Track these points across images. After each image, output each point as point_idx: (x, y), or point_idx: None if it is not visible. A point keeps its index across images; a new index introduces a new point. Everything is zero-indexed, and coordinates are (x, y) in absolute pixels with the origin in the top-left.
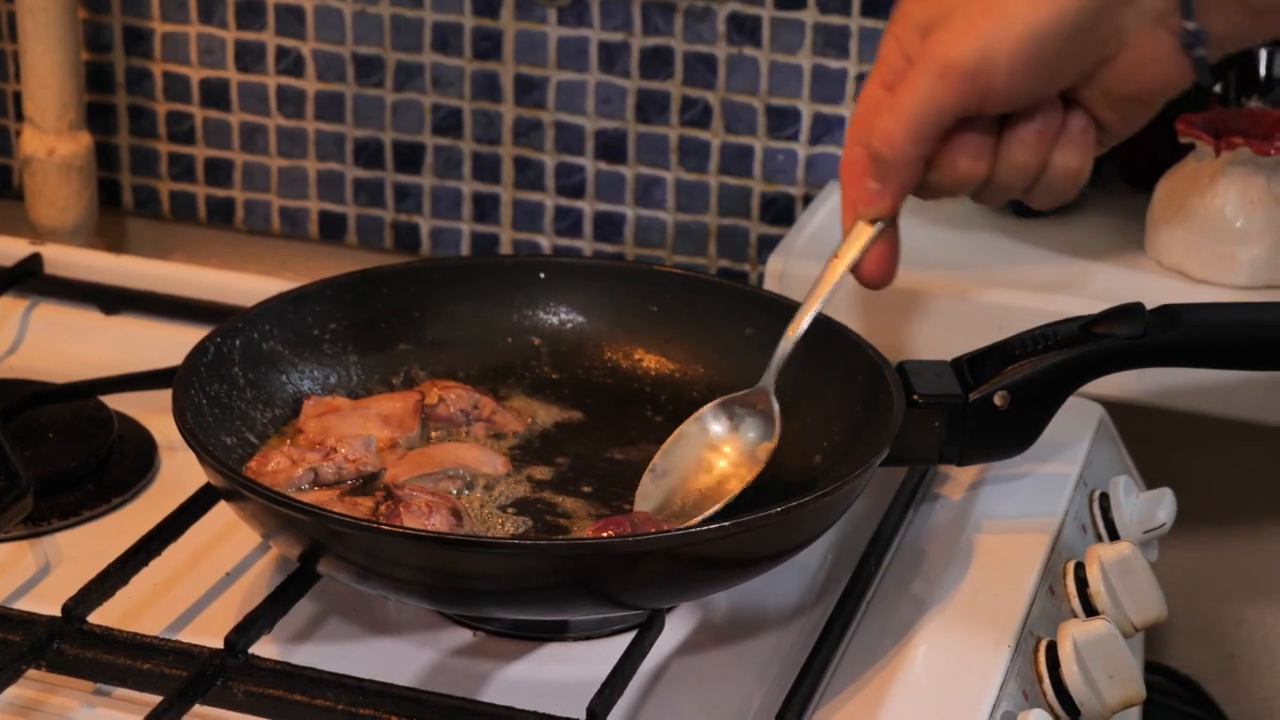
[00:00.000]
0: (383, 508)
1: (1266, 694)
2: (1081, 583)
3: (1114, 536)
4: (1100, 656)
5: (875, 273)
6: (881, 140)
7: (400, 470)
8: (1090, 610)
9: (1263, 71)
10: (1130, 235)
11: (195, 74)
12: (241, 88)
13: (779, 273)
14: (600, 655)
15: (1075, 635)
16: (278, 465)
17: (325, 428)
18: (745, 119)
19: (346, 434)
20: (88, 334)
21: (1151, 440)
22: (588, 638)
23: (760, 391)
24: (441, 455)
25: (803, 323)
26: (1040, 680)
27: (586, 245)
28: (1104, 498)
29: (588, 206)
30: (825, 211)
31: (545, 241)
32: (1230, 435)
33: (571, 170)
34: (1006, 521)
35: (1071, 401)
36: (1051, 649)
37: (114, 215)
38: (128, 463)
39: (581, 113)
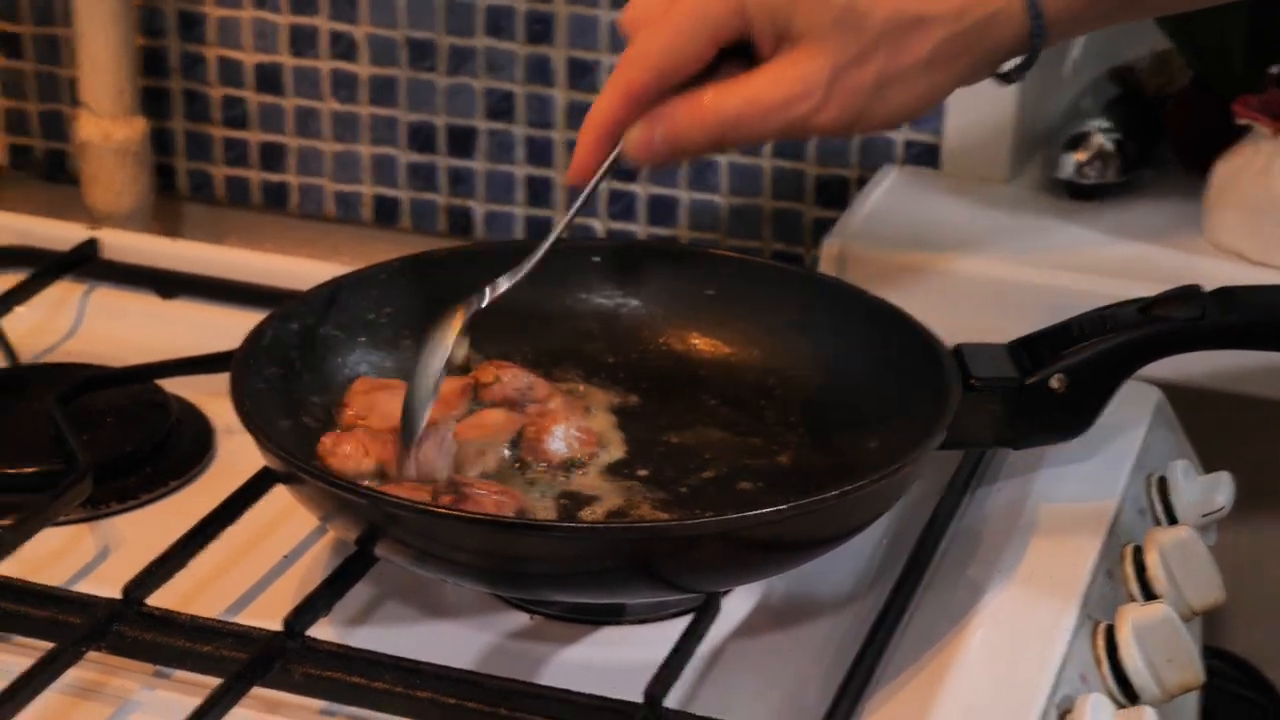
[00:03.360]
0: (445, 498)
1: None
2: (1140, 567)
3: (1172, 520)
4: (1159, 640)
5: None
6: None
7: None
8: (1149, 594)
9: None
10: (1187, 217)
11: (249, 58)
12: (295, 72)
13: (834, 256)
14: (657, 639)
15: (1134, 619)
16: (347, 452)
17: (371, 404)
18: None
19: (391, 411)
20: (145, 318)
21: (1210, 424)
22: (644, 621)
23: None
24: (495, 420)
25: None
26: (1099, 664)
27: (640, 229)
28: (1162, 481)
29: (641, 190)
30: (880, 193)
31: (599, 225)
32: None
33: None
34: (1064, 505)
35: (1129, 385)
36: (1110, 633)
37: (169, 200)
38: (185, 446)
39: None
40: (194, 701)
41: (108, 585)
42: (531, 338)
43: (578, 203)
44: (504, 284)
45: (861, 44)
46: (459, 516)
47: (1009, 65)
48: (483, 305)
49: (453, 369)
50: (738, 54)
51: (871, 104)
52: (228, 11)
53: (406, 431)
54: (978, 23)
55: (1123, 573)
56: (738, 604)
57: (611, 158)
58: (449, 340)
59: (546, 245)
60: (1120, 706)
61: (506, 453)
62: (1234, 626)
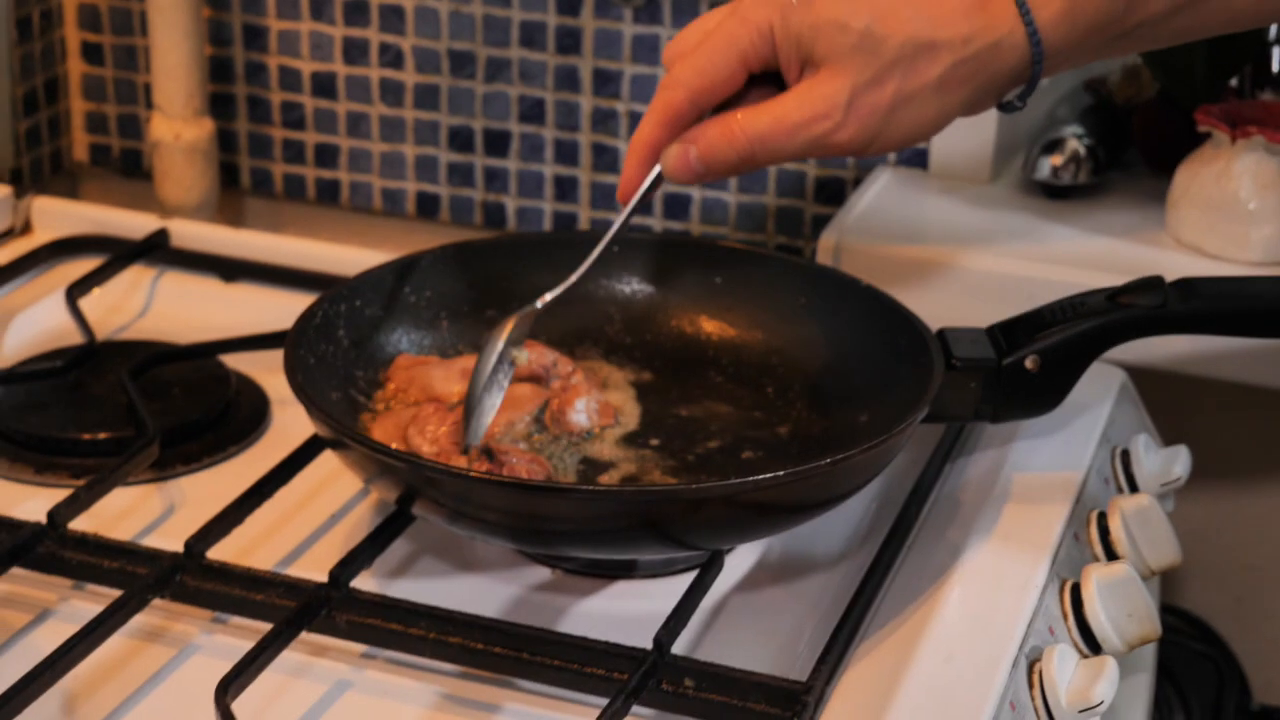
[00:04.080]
0: (480, 464)
1: (1274, 634)
2: (1104, 530)
3: (1134, 489)
4: (1120, 597)
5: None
6: None
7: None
8: (1111, 555)
9: (1275, 67)
10: (1152, 216)
11: (306, 67)
12: (348, 80)
13: (831, 248)
14: (666, 592)
15: (1097, 577)
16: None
17: (411, 378)
18: None
19: (428, 385)
20: (209, 300)
21: (1169, 402)
22: (654, 576)
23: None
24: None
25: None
26: (1065, 618)
27: (657, 223)
28: (1125, 454)
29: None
30: (873, 192)
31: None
32: (1242, 398)
33: None
34: (1035, 474)
35: (1096, 366)
36: (1075, 590)
37: (233, 194)
38: (244, 415)
39: None
40: (248, 645)
41: (173, 540)
42: (556, 320)
43: (623, 215)
44: (555, 292)
45: (878, 67)
46: (489, 480)
47: (1010, 94)
48: (535, 312)
49: (517, 372)
50: (767, 80)
51: (887, 124)
52: (288, 24)
53: (467, 428)
54: (983, 49)
55: (1088, 535)
56: (740, 561)
57: (653, 175)
58: (498, 346)
59: (594, 256)
60: (1084, 656)
61: (533, 421)
62: (1189, 586)
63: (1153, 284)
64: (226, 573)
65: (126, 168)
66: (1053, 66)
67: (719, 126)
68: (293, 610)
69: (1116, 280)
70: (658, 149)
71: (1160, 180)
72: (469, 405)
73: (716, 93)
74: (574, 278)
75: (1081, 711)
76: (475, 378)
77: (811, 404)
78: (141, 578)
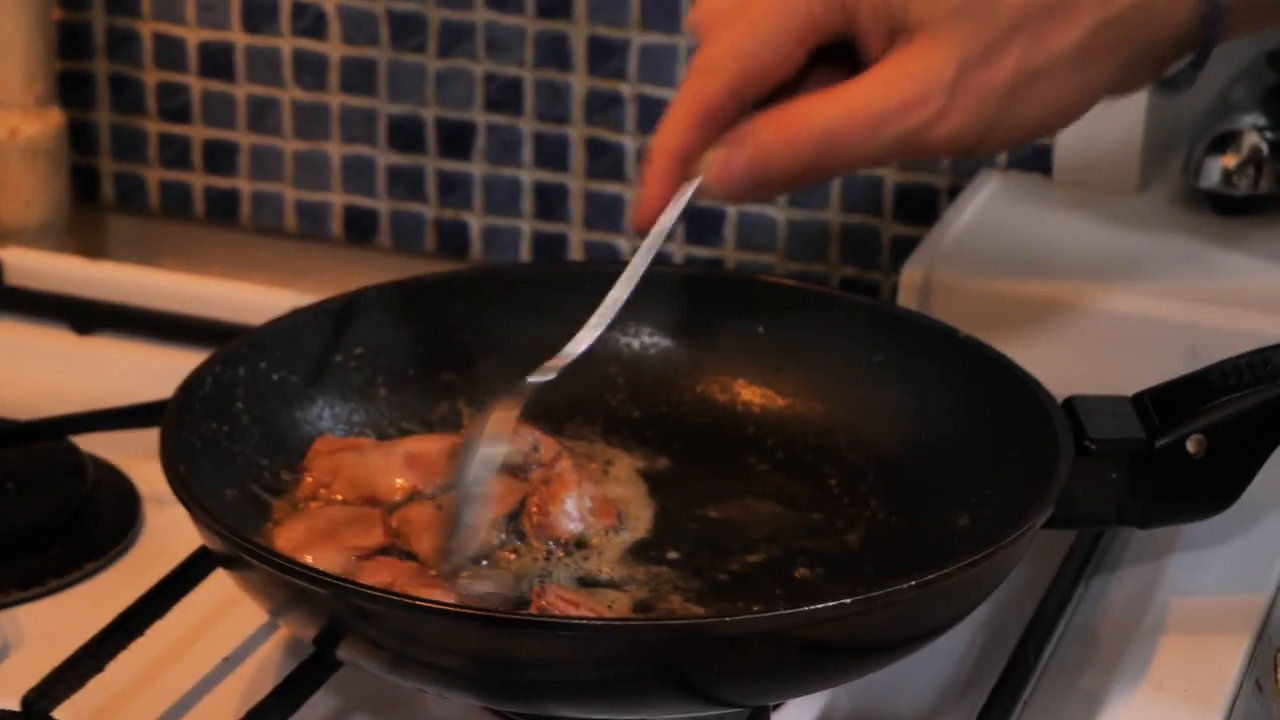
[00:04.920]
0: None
1: None
2: None
3: None
4: None
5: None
6: None
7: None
8: None
9: None
10: None
11: (192, 35)
12: (249, 53)
13: (917, 284)
14: None
15: None
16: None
17: (337, 468)
18: None
19: (360, 478)
20: (56, 358)
21: None
22: None
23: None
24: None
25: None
26: None
27: (676, 249)
28: None
29: None
30: (977, 206)
31: (624, 244)
32: None
33: None
34: (1202, 599)
35: None
36: None
37: (91, 211)
38: (104, 519)
39: (670, 83)
40: None
41: (5, 693)
42: (540, 387)
43: (645, 247)
44: (558, 365)
45: (993, 34)
46: (443, 610)
47: (1173, 68)
48: (525, 393)
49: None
50: (834, 60)
51: (1006, 110)
52: None
53: (449, 549)
54: (1136, 6)
55: (1275, 684)
56: None
57: (685, 192)
58: (498, 441)
59: (613, 306)
60: None
61: (506, 527)
62: None
63: None
64: None
65: None
66: (1232, 28)
67: (774, 123)
68: None
69: None
70: (690, 155)
71: None
72: (451, 520)
73: (767, 78)
74: (585, 341)
75: None
76: (461, 493)
77: (890, 502)
78: None
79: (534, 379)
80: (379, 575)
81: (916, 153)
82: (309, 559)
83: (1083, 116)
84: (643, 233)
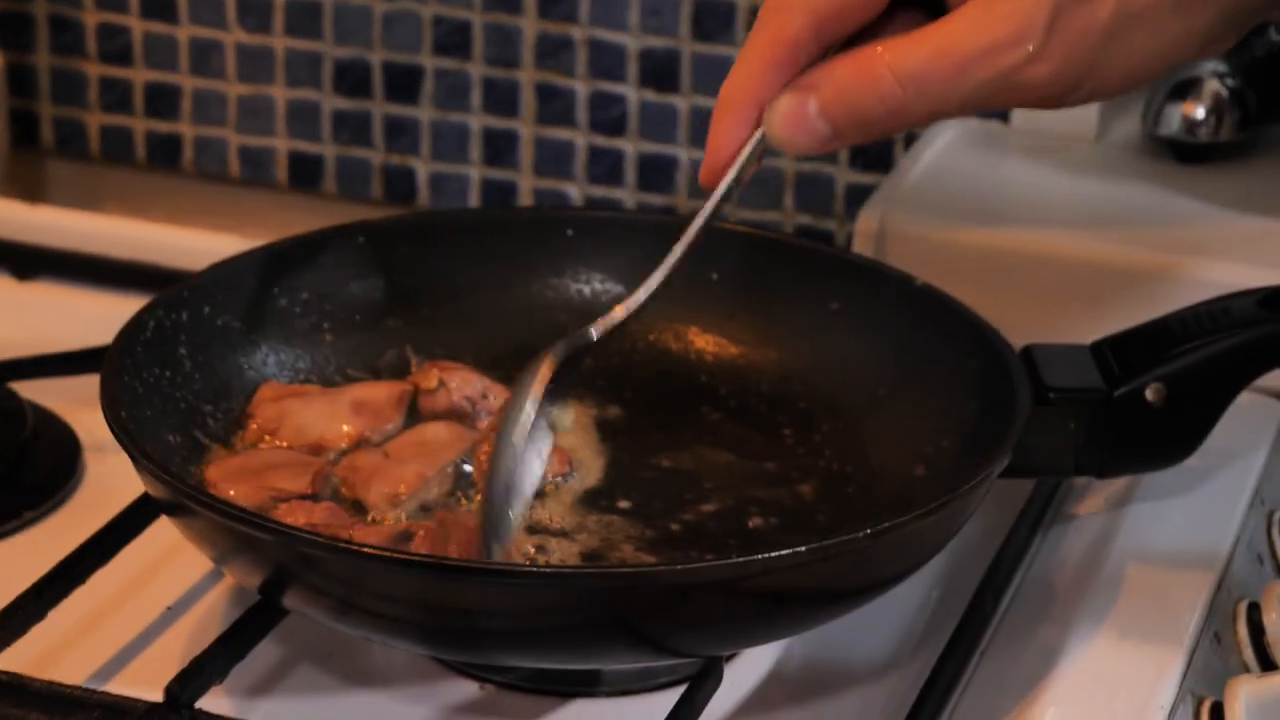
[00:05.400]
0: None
1: None
2: (1256, 628)
3: None
4: None
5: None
6: None
7: (381, 466)
8: (1267, 664)
9: None
10: None
11: None
12: None
13: (873, 231)
14: (641, 715)
15: (1248, 694)
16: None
17: (280, 414)
18: None
19: (305, 424)
20: None
21: None
22: (625, 693)
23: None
24: (436, 436)
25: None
26: None
27: (628, 195)
28: None
29: (630, 146)
30: (933, 153)
31: (575, 190)
32: None
33: (610, 101)
34: (1160, 550)
35: (1244, 398)
36: (1217, 711)
37: (29, 155)
38: (44, 467)
39: (623, 27)
40: None
41: None
42: (486, 333)
43: (713, 199)
44: (628, 307)
45: None
46: (390, 557)
47: (1271, 14)
48: (585, 344)
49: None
50: (916, 5)
51: (1103, 55)
52: None
53: (489, 525)
54: None
55: (1234, 636)
56: (745, 672)
57: (753, 142)
58: (534, 399)
59: (683, 247)
60: None
61: (454, 475)
62: None
63: None
64: (20, 689)
65: None
66: None
67: (854, 65)
68: None
69: (1273, 278)
70: (762, 100)
71: None
72: (493, 484)
73: (850, 15)
74: (656, 279)
75: None
76: (503, 437)
77: (844, 452)
78: None
79: (594, 330)
80: (292, 516)
81: (1006, 98)
82: (231, 493)
83: (1178, 67)
84: (709, 190)
